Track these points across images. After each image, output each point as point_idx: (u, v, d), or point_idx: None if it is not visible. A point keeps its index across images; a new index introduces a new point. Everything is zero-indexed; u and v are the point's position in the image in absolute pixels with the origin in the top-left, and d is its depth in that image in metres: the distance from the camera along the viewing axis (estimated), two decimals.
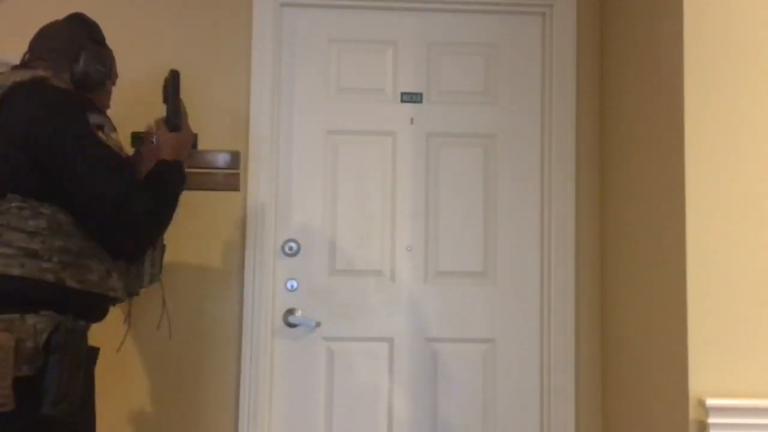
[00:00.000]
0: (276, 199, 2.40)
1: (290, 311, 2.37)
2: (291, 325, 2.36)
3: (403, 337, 2.40)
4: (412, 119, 2.46)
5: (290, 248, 2.38)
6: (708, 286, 1.73)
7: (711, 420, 1.65)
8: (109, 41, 1.83)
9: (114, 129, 1.73)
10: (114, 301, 1.72)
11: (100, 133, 1.64)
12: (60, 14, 2.26)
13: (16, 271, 1.52)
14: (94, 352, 1.72)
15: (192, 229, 2.34)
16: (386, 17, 2.47)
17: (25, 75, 1.63)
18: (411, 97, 2.47)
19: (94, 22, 1.80)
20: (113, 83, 1.85)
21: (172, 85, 1.84)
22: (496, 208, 2.45)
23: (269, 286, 2.34)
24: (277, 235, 2.39)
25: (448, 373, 2.40)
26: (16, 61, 1.74)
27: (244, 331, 2.32)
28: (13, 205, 1.54)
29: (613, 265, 2.32)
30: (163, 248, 1.88)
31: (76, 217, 1.59)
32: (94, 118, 1.64)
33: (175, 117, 1.82)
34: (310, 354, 2.38)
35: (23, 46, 1.76)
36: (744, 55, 1.77)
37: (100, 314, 1.71)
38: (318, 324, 2.36)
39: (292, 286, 2.38)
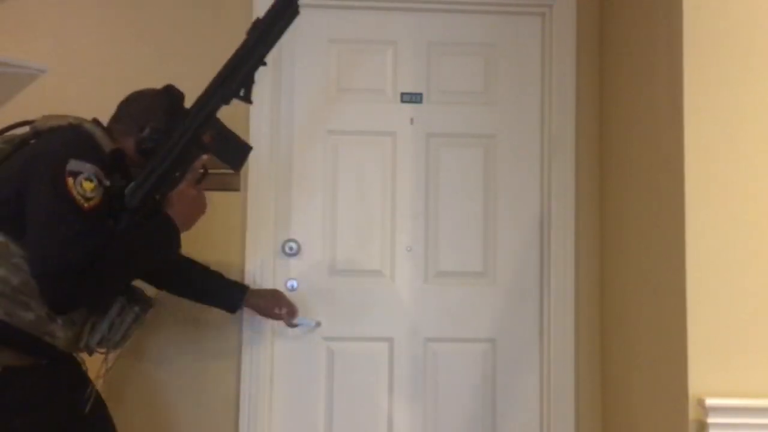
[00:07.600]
0: (276, 199, 2.40)
1: None
2: (291, 325, 2.36)
3: (403, 337, 2.40)
4: (412, 119, 2.46)
5: (290, 248, 2.38)
6: (708, 286, 1.73)
7: (710, 420, 1.65)
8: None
9: (91, 179, 1.54)
10: (53, 349, 1.57)
11: (70, 180, 1.51)
12: (59, 15, 2.26)
13: None
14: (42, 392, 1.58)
15: (192, 229, 2.33)
16: (386, 17, 2.47)
17: (61, 121, 1.63)
18: (411, 98, 2.46)
19: (180, 95, 1.74)
20: None
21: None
22: (496, 208, 2.45)
23: (269, 286, 2.34)
24: (277, 235, 2.39)
25: (448, 373, 2.40)
26: (16, 61, 1.74)
27: (244, 331, 2.32)
28: None
29: (612, 265, 2.32)
30: (135, 318, 1.67)
31: None
32: (73, 165, 1.52)
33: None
34: (310, 354, 2.38)
35: (23, 46, 1.76)
36: (744, 54, 1.77)
37: (40, 358, 1.57)
38: (318, 324, 2.36)
39: (292, 286, 2.38)
